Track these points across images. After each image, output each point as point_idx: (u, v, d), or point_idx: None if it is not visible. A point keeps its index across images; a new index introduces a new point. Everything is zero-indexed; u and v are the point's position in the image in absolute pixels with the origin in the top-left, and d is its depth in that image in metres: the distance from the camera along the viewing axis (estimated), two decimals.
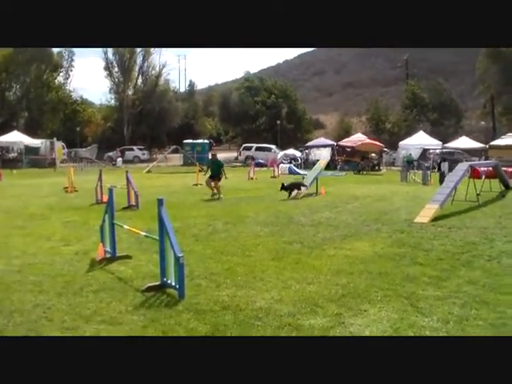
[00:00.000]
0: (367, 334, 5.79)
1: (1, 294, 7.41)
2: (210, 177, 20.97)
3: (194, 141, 61.00)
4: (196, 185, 26.76)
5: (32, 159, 53.39)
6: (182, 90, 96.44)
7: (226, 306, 6.75)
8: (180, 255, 6.87)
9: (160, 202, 7.27)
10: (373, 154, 45.22)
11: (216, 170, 20.91)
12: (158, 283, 7.51)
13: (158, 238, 7.52)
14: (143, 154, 66.38)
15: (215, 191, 20.45)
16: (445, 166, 22.95)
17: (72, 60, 79.31)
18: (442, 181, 22.53)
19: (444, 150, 45.85)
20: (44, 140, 58.11)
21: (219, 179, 20.79)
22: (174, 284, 7.15)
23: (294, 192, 20.59)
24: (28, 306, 6.84)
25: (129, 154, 64.10)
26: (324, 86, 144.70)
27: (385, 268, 8.73)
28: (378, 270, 8.57)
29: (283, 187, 20.76)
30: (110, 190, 9.19)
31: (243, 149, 60.43)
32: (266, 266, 8.99)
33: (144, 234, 8.92)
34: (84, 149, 63.54)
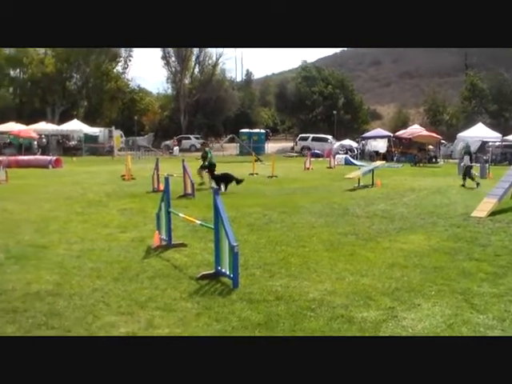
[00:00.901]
0: (420, 328, 5.72)
1: (61, 278, 7.63)
2: (201, 167, 20.59)
3: (251, 130, 61.24)
4: (252, 174, 26.84)
5: (91, 147, 54.51)
6: (239, 79, 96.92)
7: (280, 297, 6.77)
8: (235, 244, 6.90)
9: (215, 192, 7.34)
10: (430, 146, 44.49)
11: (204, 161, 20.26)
12: (212, 272, 7.58)
13: (213, 226, 7.59)
14: (199, 143, 66.80)
15: (203, 180, 20.27)
16: (466, 159, 22.15)
17: (131, 50, 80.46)
18: (464, 174, 22.03)
19: (501, 143, 44.76)
20: (103, 128, 59.32)
21: (205, 168, 20.08)
22: (228, 273, 7.20)
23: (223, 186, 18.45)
24: (86, 291, 7.03)
25: (185, 143, 64.73)
26: (381, 76, 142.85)
27: (440, 262, 8.59)
28: (432, 265, 8.45)
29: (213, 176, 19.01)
30: (167, 179, 9.33)
31: (299, 139, 60.36)
32: (320, 257, 8.97)
33: (199, 222, 9.03)
34: (141, 137, 64.49)
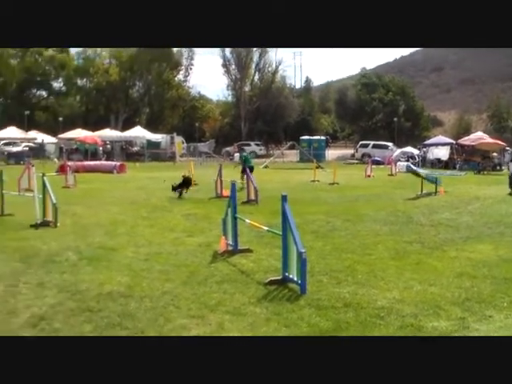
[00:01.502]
0: None
1: (131, 279, 7.83)
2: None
3: (311, 137, 61.24)
4: (313, 181, 26.84)
5: (153, 153, 55.60)
6: (298, 86, 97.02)
7: (348, 304, 6.74)
8: (303, 251, 6.94)
9: (284, 198, 7.39)
10: (494, 154, 43.44)
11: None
12: (279, 277, 7.62)
13: (280, 233, 7.65)
14: (260, 150, 67.34)
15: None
16: None
17: (192, 59, 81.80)
18: (510, 183, 21.43)
19: None
20: (164, 135, 60.48)
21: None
22: (295, 279, 7.23)
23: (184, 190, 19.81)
24: (156, 293, 7.18)
25: (246, 150, 65.14)
26: (442, 82, 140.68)
27: (510, 273, 8.35)
28: (503, 275, 8.21)
29: (173, 188, 19.91)
30: (233, 185, 9.43)
31: (360, 146, 60.02)
32: (386, 265, 8.90)
33: (266, 228, 9.10)
34: (202, 143, 65.28)
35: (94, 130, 57.84)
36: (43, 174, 12.83)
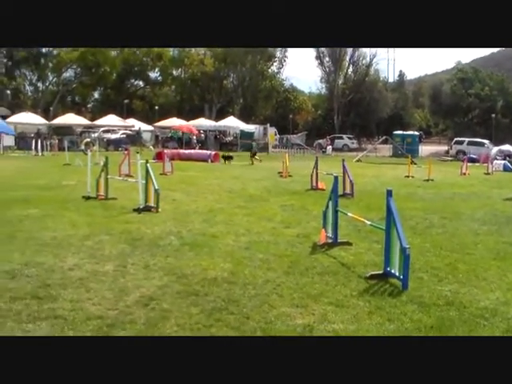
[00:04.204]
0: None
1: (234, 267, 8.04)
2: None
3: (404, 132, 60.34)
4: (408, 177, 26.45)
5: (246, 143, 56.27)
6: (391, 80, 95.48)
7: (450, 302, 6.67)
8: (407, 246, 6.92)
9: (389, 193, 7.38)
10: None
11: None
12: (380, 272, 7.64)
13: (383, 227, 7.67)
14: (352, 143, 67.14)
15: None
16: None
17: (286, 51, 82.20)
18: None
19: None
20: (258, 125, 61.11)
21: None
22: (397, 274, 7.23)
23: None
24: (259, 281, 7.35)
25: (338, 143, 65.17)
26: None
27: None
28: None
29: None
30: (336, 178, 9.48)
31: (454, 143, 58.50)
32: (487, 265, 8.70)
33: (369, 222, 9.12)
34: (295, 135, 65.53)
35: (187, 119, 59.32)
36: (147, 161, 13.29)
